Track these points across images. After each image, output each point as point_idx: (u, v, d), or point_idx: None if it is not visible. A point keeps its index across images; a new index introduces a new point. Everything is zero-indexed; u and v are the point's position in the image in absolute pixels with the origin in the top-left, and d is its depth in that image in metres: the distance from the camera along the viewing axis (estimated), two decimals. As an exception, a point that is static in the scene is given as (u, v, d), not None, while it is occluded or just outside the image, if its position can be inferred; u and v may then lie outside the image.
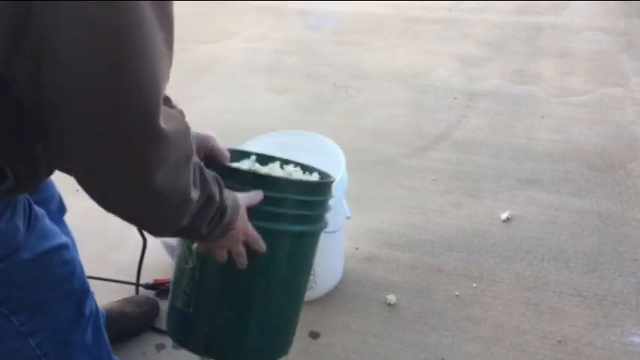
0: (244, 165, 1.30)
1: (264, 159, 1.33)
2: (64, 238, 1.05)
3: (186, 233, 0.94)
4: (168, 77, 0.79)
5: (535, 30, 2.98)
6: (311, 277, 1.64)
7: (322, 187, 1.24)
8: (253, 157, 1.32)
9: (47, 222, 1.02)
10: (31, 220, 0.95)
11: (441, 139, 2.33)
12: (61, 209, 1.38)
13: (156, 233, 0.96)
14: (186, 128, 0.83)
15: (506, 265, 1.79)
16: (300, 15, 3.33)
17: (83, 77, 0.67)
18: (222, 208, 0.95)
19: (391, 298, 1.71)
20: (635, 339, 1.56)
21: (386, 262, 1.83)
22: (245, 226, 1.05)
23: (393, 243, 1.90)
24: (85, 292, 1.12)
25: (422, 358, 1.56)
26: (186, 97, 2.90)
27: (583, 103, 2.44)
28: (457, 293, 1.72)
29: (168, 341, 1.62)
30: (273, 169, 1.28)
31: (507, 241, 1.87)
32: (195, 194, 0.86)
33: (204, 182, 0.89)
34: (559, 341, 1.57)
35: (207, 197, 0.91)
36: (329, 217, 1.54)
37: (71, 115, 0.70)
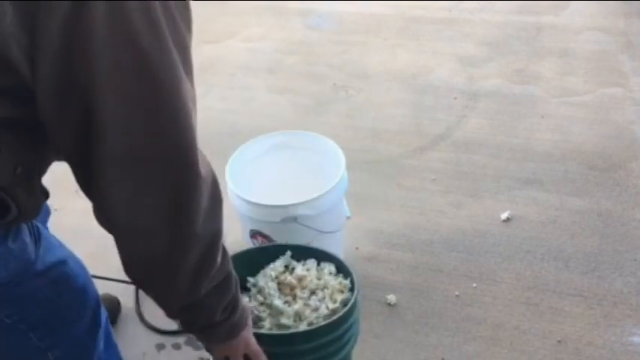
0: (279, 263, 1.31)
1: (299, 252, 1.33)
2: (66, 249, 1.03)
3: (198, 311, 0.91)
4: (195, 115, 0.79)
5: (535, 30, 2.98)
6: (311, 277, 1.65)
7: (344, 318, 1.19)
8: (288, 254, 1.32)
9: (48, 233, 1.01)
10: (35, 234, 0.93)
11: (441, 139, 2.33)
12: (47, 213, 1.36)
13: (168, 297, 0.90)
14: (214, 173, 0.84)
15: (506, 265, 1.79)
16: (300, 15, 3.32)
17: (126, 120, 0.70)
18: (236, 299, 0.94)
19: (391, 298, 1.71)
20: (635, 339, 1.56)
21: (386, 262, 1.83)
22: (249, 337, 1.02)
23: (393, 243, 1.90)
24: (98, 301, 1.10)
25: (422, 358, 1.56)
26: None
27: (583, 103, 2.44)
28: (457, 293, 1.72)
29: (168, 341, 1.62)
30: (310, 271, 1.29)
31: (507, 241, 1.87)
32: (220, 256, 0.86)
33: (225, 257, 0.89)
34: (559, 341, 1.57)
35: (228, 273, 0.90)
36: (329, 217, 1.54)
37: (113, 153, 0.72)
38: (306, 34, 3.15)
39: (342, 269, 1.31)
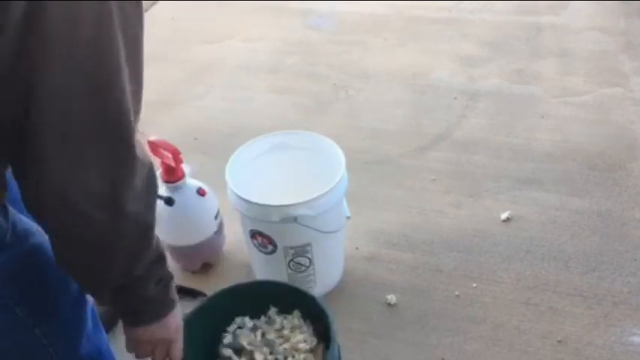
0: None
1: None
2: (34, 224, 1.02)
3: (130, 292, 0.91)
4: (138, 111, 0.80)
5: (535, 30, 2.98)
6: (311, 277, 1.65)
7: None
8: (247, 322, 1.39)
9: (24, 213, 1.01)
10: (9, 211, 0.93)
11: (441, 139, 2.33)
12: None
13: (101, 279, 0.90)
14: (152, 164, 0.85)
15: (506, 265, 1.79)
16: (300, 15, 3.32)
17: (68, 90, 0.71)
18: (168, 277, 0.96)
19: (391, 298, 1.71)
20: (635, 339, 1.56)
21: (386, 262, 1.84)
22: (178, 331, 1.03)
23: (393, 243, 1.90)
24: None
25: (422, 358, 1.57)
26: (186, 97, 2.91)
27: (583, 103, 2.44)
28: (457, 293, 1.72)
29: (168, 341, 1.62)
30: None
31: (507, 241, 1.87)
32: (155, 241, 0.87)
33: (158, 240, 0.91)
34: (559, 341, 1.57)
35: (160, 254, 0.92)
36: (329, 217, 1.54)
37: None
38: (306, 34, 3.15)
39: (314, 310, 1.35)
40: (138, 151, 0.80)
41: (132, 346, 1.03)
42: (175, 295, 1.01)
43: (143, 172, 0.82)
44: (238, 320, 1.40)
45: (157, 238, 0.92)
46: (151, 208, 0.87)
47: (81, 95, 0.72)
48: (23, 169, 0.78)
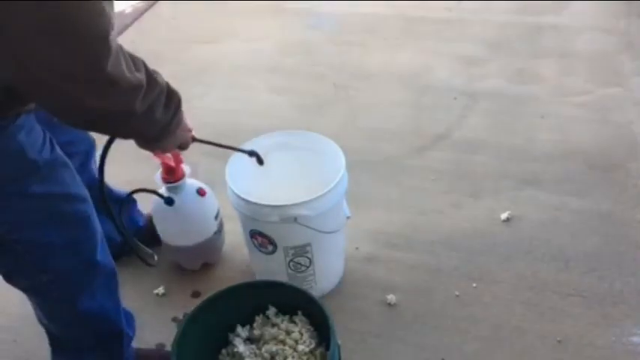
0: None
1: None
2: (82, 190, 1.16)
3: (147, 125, 1.01)
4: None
5: (535, 30, 2.98)
6: (311, 277, 1.65)
7: None
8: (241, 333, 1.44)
9: (69, 170, 1.13)
10: (48, 145, 1.06)
11: (441, 139, 2.33)
12: (91, 152, 1.51)
13: (117, 125, 0.98)
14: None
15: (506, 265, 1.79)
16: (300, 15, 3.32)
17: None
18: (172, 93, 1.05)
19: (391, 298, 1.71)
20: (635, 339, 1.56)
21: (386, 262, 1.84)
22: (186, 124, 1.17)
23: (393, 243, 1.90)
24: (94, 247, 1.22)
25: (422, 358, 1.57)
26: (186, 97, 2.89)
27: (583, 103, 2.44)
28: (457, 293, 1.72)
29: (168, 341, 1.62)
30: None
31: (507, 241, 1.87)
32: (141, 76, 0.93)
33: (146, 69, 0.97)
34: (559, 341, 1.57)
35: (154, 81, 0.98)
36: (329, 217, 1.54)
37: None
38: (306, 34, 3.15)
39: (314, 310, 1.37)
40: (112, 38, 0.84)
41: (152, 151, 1.18)
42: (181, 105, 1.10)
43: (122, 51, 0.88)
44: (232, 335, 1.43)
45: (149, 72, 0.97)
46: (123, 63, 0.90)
47: None
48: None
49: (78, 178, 1.17)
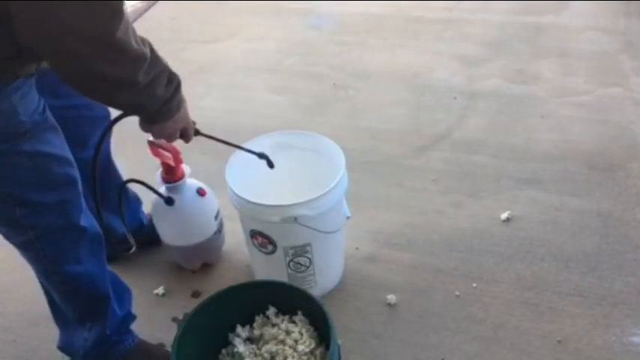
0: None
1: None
2: (69, 154, 1.20)
3: (148, 99, 1.05)
4: None
5: (535, 30, 2.98)
6: (311, 277, 1.65)
7: None
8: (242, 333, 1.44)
9: (58, 134, 1.17)
10: (36, 119, 1.10)
11: (441, 139, 2.33)
12: (100, 119, 1.49)
13: (119, 93, 1.01)
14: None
15: (506, 265, 1.79)
16: (300, 15, 3.32)
17: None
18: (174, 75, 1.08)
19: (391, 298, 1.71)
20: (635, 339, 1.56)
21: (386, 262, 1.84)
22: (187, 111, 1.21)
23: (393, 243, 1.90)
24: (79, 212, 1.26)
25: (422, 358, 1.57)
26: (186, 97, 2.90)
27: (583, 103, 2.44)
28: (457, 293, 1.72)
29: (168, 341, 1.62)
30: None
31: (507, 241, 1.87)
32: (146, 50, 0.98)
33: (150, 46, 1.02)
34: (559, 341, 1.57)
35: (157, 58, 1.03)
36: (329, 217, 1.54)
37: None
38: (306, 34, 3.15)
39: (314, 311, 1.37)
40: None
41: (155, 135, 1.21)
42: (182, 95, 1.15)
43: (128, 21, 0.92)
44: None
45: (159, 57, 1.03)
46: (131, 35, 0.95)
47: None
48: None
49: (66, 144, 1.20)
